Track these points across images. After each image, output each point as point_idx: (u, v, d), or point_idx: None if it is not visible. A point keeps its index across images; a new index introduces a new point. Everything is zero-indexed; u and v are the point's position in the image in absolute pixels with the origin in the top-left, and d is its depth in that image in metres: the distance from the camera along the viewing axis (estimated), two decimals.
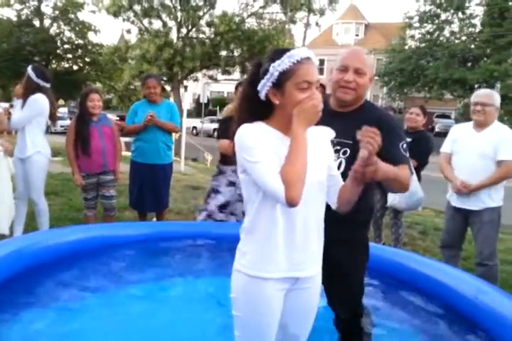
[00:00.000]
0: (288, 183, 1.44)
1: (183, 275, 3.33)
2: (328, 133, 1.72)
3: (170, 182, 4.75)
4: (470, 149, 3.49)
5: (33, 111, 4.02)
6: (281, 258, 1.57)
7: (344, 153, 2.04)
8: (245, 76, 1.65)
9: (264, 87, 1.54)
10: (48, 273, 3.07)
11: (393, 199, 4.21)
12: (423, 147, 4.27)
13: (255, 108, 1.59)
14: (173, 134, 4.94)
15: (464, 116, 30.89)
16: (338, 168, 1.96)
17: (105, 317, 2.63)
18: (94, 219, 4.39)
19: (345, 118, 2.04)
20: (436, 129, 27.98)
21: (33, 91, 4.04)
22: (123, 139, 13.49)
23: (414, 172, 4.04)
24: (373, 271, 2.60)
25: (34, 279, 2.97)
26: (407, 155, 2.07)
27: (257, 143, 1.49)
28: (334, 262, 2.08)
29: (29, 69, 4.11)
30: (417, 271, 3.14)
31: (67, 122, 15.45)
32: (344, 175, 1.70)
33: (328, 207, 1.72)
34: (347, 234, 2.13)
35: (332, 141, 1.87)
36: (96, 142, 4.19)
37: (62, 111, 22.67)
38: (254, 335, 1.64)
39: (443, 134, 26.84)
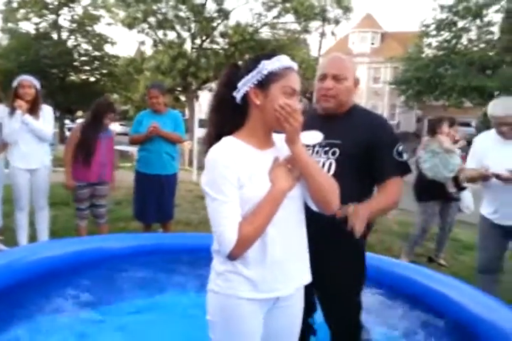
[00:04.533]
0: (242, 240, 1.34)
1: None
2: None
3: (175, 192, 4.62)
4: (504, 162, 3.06)
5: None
6: (260, 278, 1.43)
7: (333, 153, 2.01)
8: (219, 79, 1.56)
9: (246, 84, 1.43)
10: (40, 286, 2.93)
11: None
12: None
13: (228, 116, 1.47)
14: (185, 144, 4.86)
15: (486, 124, 30.36)
16: (329, 169, 1.95)
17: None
18: (85, 229, 4.30)
19: (333, 121, 2.06)
20: (456, 138, 27.34)
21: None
22: (131, 149, 13.30)
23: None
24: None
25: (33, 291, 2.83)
26: (404, 158, 2.00)
27: (227, 178, 1.38)
28: (328, 278, 1.99)
29: (34, 80, 4.03)
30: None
31: None
32: (335, 176, 1.57)
33: (325, 218, 1.59)
34: (343, 246, 2.01)
35: (320, 143, 1.93)
36: (99, 152, 4.12)
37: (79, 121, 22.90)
38: None
39: None
